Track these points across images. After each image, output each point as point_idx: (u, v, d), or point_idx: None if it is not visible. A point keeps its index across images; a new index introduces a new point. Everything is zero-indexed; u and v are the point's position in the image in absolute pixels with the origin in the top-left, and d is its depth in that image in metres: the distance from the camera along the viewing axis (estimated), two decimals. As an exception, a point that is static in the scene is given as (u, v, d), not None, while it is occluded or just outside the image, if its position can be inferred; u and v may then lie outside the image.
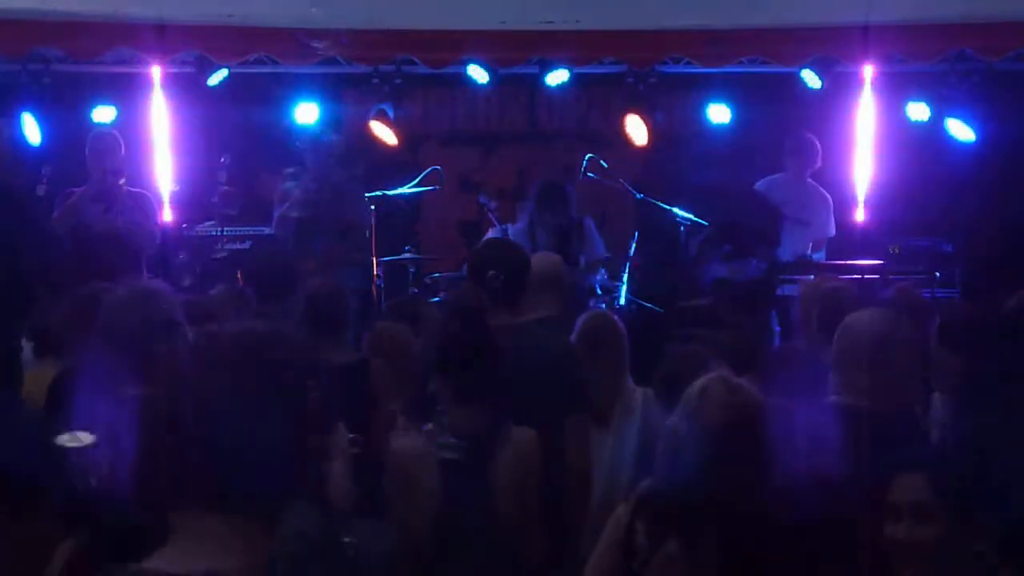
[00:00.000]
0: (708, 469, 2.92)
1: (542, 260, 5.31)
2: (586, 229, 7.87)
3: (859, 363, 3.61)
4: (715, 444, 2.98)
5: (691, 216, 8.04)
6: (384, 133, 8.77)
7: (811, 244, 8.34)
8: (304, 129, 8.45)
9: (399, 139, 8.84)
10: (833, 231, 8.52)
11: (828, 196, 8.52)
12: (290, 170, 8.03)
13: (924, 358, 3.92)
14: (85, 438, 2.84)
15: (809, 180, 8.49)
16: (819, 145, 8.39)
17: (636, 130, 8.76)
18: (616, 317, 5.11)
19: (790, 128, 8.56)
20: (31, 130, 8.25)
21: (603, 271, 8.02)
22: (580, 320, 4.99)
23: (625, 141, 8.87)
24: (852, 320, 3.78)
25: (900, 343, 3.67)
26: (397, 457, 3.62)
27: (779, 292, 7.41)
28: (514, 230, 7.97)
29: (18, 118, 8.24)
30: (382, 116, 8.72)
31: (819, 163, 8.41)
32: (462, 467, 3.69)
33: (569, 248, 7.56)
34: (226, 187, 8.52)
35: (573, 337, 4.86)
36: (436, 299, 7.68)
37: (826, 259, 8.35)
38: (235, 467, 1.77)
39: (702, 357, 4.05)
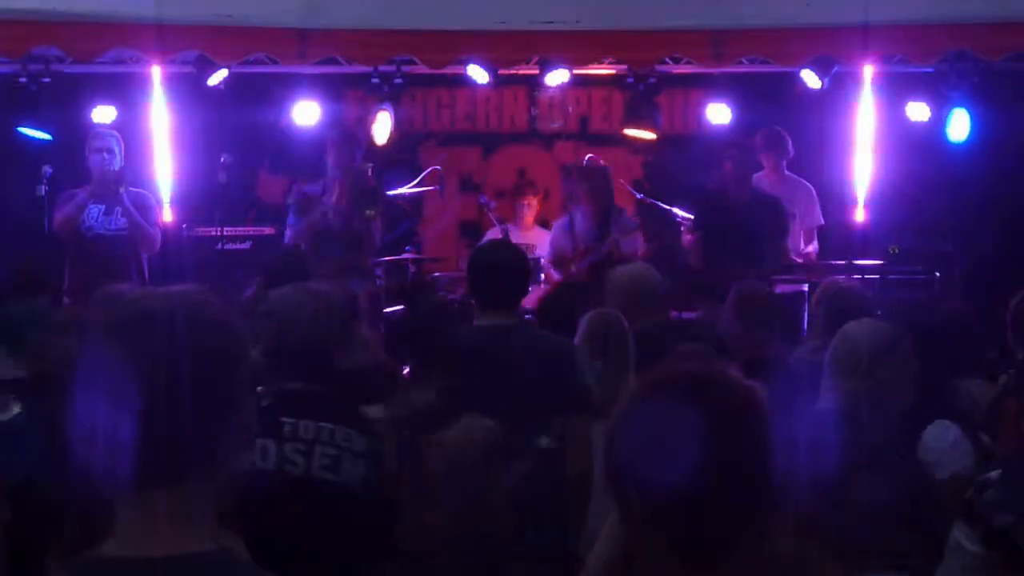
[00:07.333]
0: (704, 469, 2.91)
1: (635, 273, 5.39)
2: (622, 214, 8.11)
3: (857, 371, 3.60)
4: (711, 443, 2.97)
5: (691, 216, 8.03)
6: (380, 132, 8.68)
7: (803, 235, 8.38)
8: (328, 134, 8.37)
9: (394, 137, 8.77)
10: (821, 219, 8.54)
11: (809, 185, 8.54)
12: (308, 186, 7.97)
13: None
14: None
15: (787, 172, 8.52)
16: (788, 136, 8.45)
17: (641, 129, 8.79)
18: (620, 314, 5.09)
19: (790, 128, 8.57)
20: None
21: None
22: (584, 318, 4.97)
23: (628, 140, 8.87)
24: (849, 328, 3.76)
25: (900, 352, 3.65)
26: None
27: (776, 291, 7.40)
28: (557, 224, 8.23)
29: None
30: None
31: (792, 153, 8.46)
32: None
33: (606, 231, 7.83)
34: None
35: (577, 335, 4.85)
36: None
37: (818, 249, 8.40)
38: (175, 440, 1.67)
39: (708, 359, 4.04)
